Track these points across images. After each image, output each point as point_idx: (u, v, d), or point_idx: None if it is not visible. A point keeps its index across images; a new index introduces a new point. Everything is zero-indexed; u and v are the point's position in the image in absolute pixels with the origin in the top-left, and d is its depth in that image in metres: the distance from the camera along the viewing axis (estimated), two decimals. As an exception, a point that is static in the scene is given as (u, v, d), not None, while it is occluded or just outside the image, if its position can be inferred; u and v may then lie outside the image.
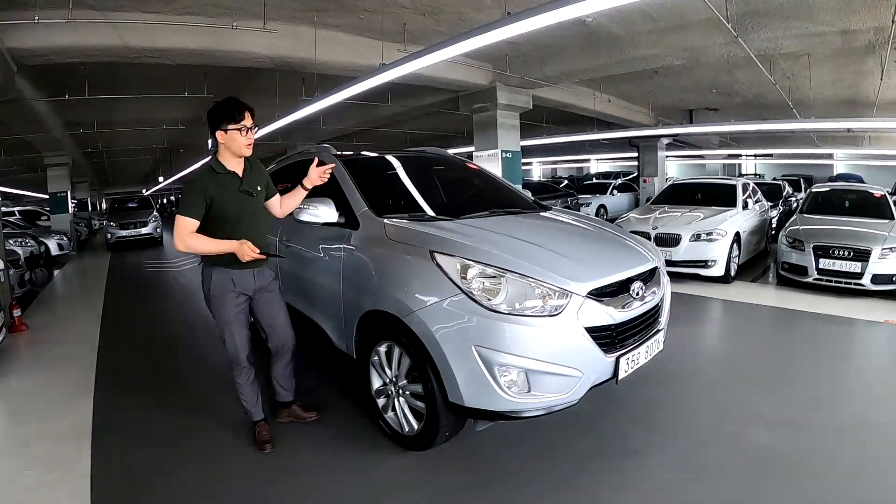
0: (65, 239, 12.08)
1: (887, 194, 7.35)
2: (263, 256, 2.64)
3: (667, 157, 17.84)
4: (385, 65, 5.52)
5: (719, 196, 7.51)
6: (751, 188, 8.17)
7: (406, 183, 3.81)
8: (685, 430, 2.98)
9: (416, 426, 2.77)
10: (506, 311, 2.39)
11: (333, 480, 2.61)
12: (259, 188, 2.76)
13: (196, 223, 2.54)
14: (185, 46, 6.42)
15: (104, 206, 28.48)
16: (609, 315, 2.54)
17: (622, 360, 2.58)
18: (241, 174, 2.68)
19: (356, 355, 3.10)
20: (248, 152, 2.65)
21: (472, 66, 9.34)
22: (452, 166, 4.34)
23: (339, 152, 3.91)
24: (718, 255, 6.39)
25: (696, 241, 6.47)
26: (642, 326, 2.78)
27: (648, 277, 2.91)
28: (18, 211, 14.84)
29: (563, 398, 2.46)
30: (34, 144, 12.57)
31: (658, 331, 2.89)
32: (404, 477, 2.62)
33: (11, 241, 8.25)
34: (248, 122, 2.59)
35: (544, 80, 9.17)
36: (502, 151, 10.56)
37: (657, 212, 7.40)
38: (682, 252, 6.52)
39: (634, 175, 17.46)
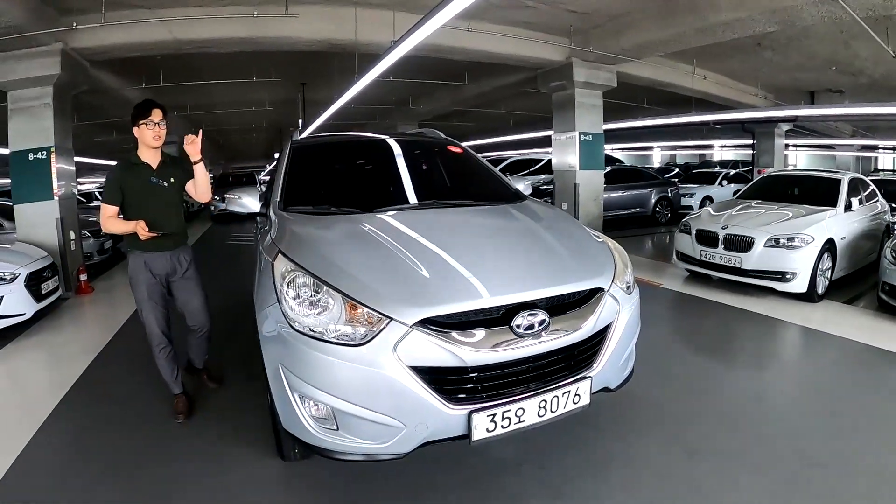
0: None
1: None
2: (155, 234, 2.84)
3: (792, 146, 15.13)
4: (395, 42, 5.13)
5: (818, 193, 5.97)
6: (869, 186, 6.47)
7: (348, 170, 3.61)
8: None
9: None
10: (308, 331, 2.00)
11: (200, 472, 2.58)
12: (172, 180, 3.00)
13: (114, 208, 2.89)
14: (231, 36, 6.63)
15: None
16: (455, 354, 1.92)
17: (481, 417, 1.96)
18: (154, 166, 2.96)
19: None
20: (156, 144, 2.91)
21: (544, 42, 8.54)
22: (425, 151, 3.88)
23: (301, 136, 3.84)
24: (800, 266, 5.07)
25: (772, 246, 5.21)
26: (535, 373, 2.09)
27: (571, 306, 2.20)
28: None
29: (380, 447, 1.98)
30: None
31: (580, 379, 2.15)
32: (253, 483, 2.49)
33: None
34: (155, 118, 2.86)
35: (622, 54, 8.09)
36: (580, 134, 9.62)
37: (737, 207, 6.13)
38: (753, 259, 5.29)
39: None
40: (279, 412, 2.19)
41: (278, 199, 3.05)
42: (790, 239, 5.15)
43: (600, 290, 2.29)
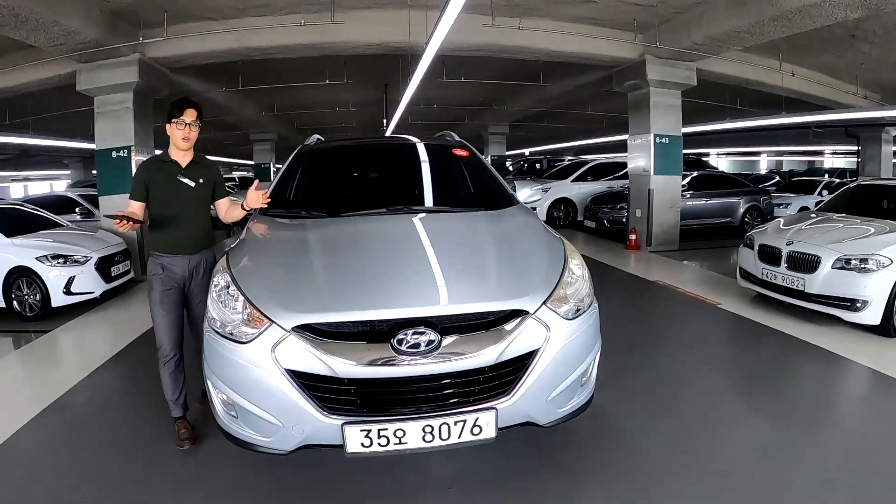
0: None
1: None
2: (134, 224, 2.52)
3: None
4: (426, 43, 5.12)
5: (911, 207, 5.05)
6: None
7: (336, 175, 3.68)
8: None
9: None
10: (216, 326, 2.15)
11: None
12: (201, 181, 2.85)
13: (138, 204, 2.75)
14: (293, 42, 7.01)
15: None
16: (327, 364, 1.90)
17: (354, 430, 1.91)
18: (184, 165, 2.82)
19: None
20: (184, 145, 2.76)
21: (612, 39, 8.07)
22: (423, 155, 3.81)
23: (320, 139, 4.03)
24: (873, 292, 4.29)
25: (840, 268, 4.47)
26: (424, 395, 1.98)
27: (481, 326, 2.03)
28: (238, 177, 18.43)
29: (265, 441, 2.07)
30: (236, 124, 15.12)
31: (484, 409, 1.98)
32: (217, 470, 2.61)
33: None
34: (188, 118, 2.71)
35: (695, 49, 7.43)
36: (655, 136, 8.99)
37: (811, 221, 5.37)
38: (818, 282, 4.59)
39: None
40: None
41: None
42: (863, 260, 4.40)
43: (523, 312, 2.08)
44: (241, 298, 2.10)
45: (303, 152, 3.71)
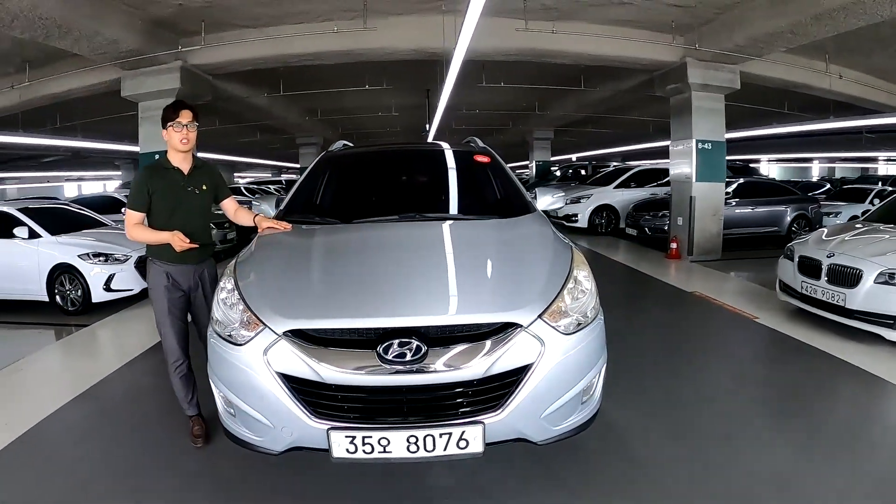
0: None
1: None
2: (195, 245, 2.67)
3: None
4: (454, 49, 5.13)
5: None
6: None
7: (352, 181, 3.72)
8: None
9: None
10: (217, 327, 2.22)
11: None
12: (204, 187, 2.83)
13: (140, 215, 2.70)
14: (328, 49, 7.20)
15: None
16: (314, 370, 1.93)
17: (339, 436, 1.92)
18: (185, 171, 2.77)
19: None
20: (183, 147, 2.70)
21: (652, 42, 7.86)
22: (442, 162, 3.82)
23: (347, 144, 4.11)
24: (919, 310, 4.04)
25: (884, 282, 4.20)
26: (410, 406, 1.96)
27: (472, 338, 1.98)
28: (286, 180, 18.94)
29: (258, 440, 2.13)
30: (283, 128, 15.52)
31: (470, 423, 1.94)
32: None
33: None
34: (183, 119, 2.66)
35: (737, 50, 7.17)
36: (698, 141, 8.72)
37: (855, 231, 5.08)
38: (860, 298, 4.31)
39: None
40: None
41: (281, 208, 3.28)
42: (908, 275, 4.13)
43: (516, 325, 2.02)
44: (240, 301, 2.17)
45: (324, 159, 3.78)
